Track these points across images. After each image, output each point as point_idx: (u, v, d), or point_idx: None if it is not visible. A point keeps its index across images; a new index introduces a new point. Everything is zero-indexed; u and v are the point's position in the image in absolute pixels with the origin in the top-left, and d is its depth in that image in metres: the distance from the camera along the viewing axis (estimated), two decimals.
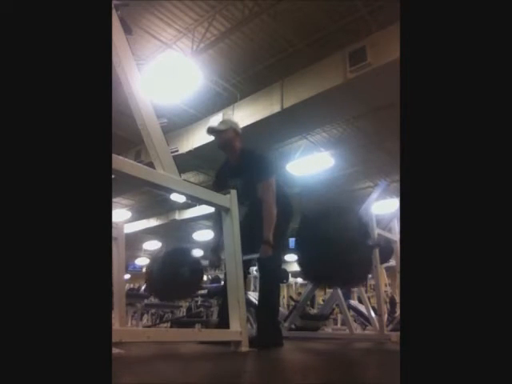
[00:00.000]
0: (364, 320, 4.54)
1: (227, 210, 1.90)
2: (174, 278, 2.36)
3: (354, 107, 5.51)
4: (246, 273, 2.54)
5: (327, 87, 4.96)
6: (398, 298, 5.04)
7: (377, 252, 3.05)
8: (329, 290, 4.61)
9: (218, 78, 6.21)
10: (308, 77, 5.20)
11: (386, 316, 3.77)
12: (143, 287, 6.50)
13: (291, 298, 6.34)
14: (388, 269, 5.55)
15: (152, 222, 12.26)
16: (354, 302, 4.67)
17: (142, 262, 14.78)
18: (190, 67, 5.27)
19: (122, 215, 11.19)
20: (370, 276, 3.14)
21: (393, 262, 3.98)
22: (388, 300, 5.45)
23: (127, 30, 1.68)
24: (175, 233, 13.22)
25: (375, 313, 3.27)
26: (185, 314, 5.90)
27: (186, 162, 6.63)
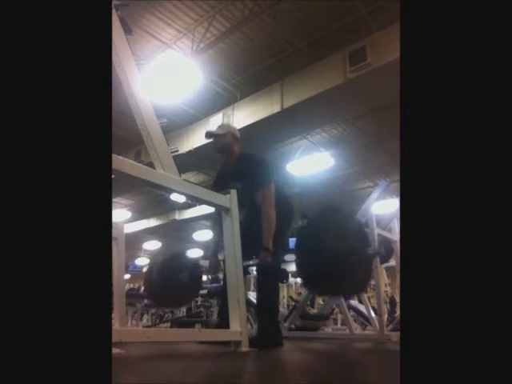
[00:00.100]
0: (364, 320, 4.54)
1: (227, 210, 1.90)
2: (173, 284, 2.35)
3: (354, 107, 5.51)
4: (246, 272, 2.54)
5: (327, 87, 4.96)
6: (398, 298, 5.04)
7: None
8: None
9: (218, 78, 6.21)
10: (308, 77, 5.20)
11: (385, 316, 3.77)
12: (143, 287, 6.49)
13: (291, 297, 6.34)
14: (388, 269, 5.55)
15: (152, 222, 12.26)
16: (354, 302, 4.66)
17: (142, 261, 14.78)
18: (190, 67, 5.27)
19: (122, 215, 11.19)
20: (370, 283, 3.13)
21: (393, 261, 3.98)
22: (388, 300, 5.45)
23: (127, 30, 1.68)
24: (175, 233, 13.23)
25: (375, 313, 3.26)
26: (185, 314, 5.90)
27: (185, 162, 6.63)
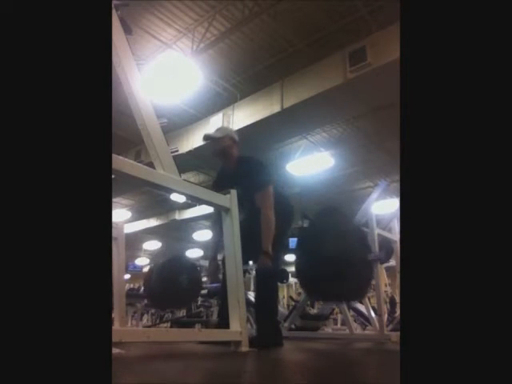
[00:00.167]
0: (364, 320, 4.54)
1: (227, 210, 1.90)
2: (173, 287, 2.35)
3: (354, 107, 5.51)
4: (245, 272, 2.54)
5: (327, 87, 4.96)
6: (398, 298, 5.03)
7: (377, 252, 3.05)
8: None
9: (218, 78, 6.21)
10: (308, 77, 5.20)
11: (385, 316, 3.77)
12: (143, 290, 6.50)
13: (291, 297, 6.34)
14: (388, 269, 5.55)
15: (152, 222, 12.26)
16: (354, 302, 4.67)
17: (142, 261, 14.78)
18: (190, 67, 5.27)
19: (122, 215, 11.19)
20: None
21: (393, 261, 3.98)
22: (388, 300, 5.45)
23: (127, 30, 1.68)
24: (175, 233, 13.23)
25: (375, 313, 3.26)
26: (185, 314, 5.90)
27: (185, 162, 6.63)
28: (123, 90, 1.62)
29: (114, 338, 1.16)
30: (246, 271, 2.23)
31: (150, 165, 1.65)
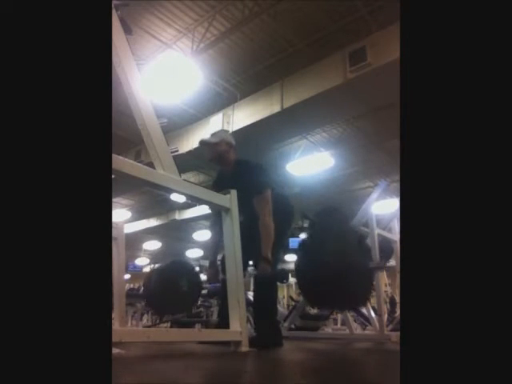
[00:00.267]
0: (364, 320, 4.54)
1: (227, 210, 1.90)
2: (172, 293, 2.34)
3: (354, 107, 5.51)
4: (245, 270, 2.53)
5: (327, 87, 4.96)
6: (398, 298, 5.03)
7: (377, 253, 3.05)
8: None
9: (218, 78, 6.21)
10: (308, 77, 5.20)
11: (385, 316, 3.77)
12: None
13: (291, 297, 6.34)
14: (388, 269, 5.55)
15: (152, 222, 12.26)
16: None
17: (142, 261, 14.79)
18: (190, 67, 5.27)
19: (122, 215, 11.19)
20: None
21: (393, 261, 3.98)
22: (388, 300, 5.45)
23: (127, 30, 1.68)
24: (175, 233, 13.23)
25: (375, 313, 3.26)
26: (185, 314, 5.90)
27: (185, 162, 6.63)
28: (123, 89, 1.62)
29: (114, 338, 1.16)
30: (245, 271, 2.23)
31: (150, 165, 1.65)
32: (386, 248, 3.45)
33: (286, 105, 5.38)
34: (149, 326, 5.68)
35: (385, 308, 3.91)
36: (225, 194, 1.92)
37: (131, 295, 5.36)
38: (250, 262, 2.36)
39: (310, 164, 7.60)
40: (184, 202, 9.23)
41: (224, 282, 2.02)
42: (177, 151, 2.10)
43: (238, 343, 1.73)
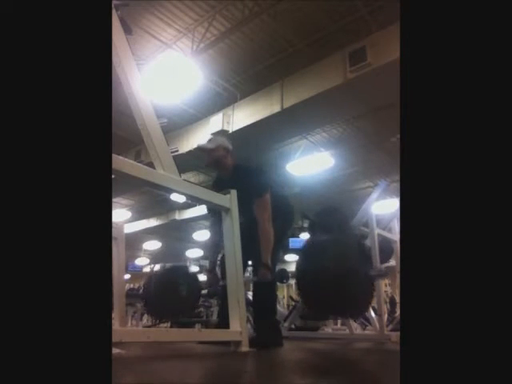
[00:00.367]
0: (364, 320, 4.54)
1: (227, 210, 1.90)
2: (171, 299, 2.33)
3: (354, 107, 5.51)
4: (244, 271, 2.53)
5: (327, 87, 4.95)
6: (398, 298, 5.03)
7: (377, 252, 3.05)
8: None
9: (218, 78, 6.20)
10: (308, 77, 5.20)
11: (385, 316, 3.77)
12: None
13: (291, 297, 6.33)
14: (388, 269, 5.54)
15: (152, 222, 12.25)
16: None
17: (142, 261, 14.78)
18: (190, 67, 5.26)
19: (122, 215, 11.19)
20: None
21: (393, 261, 3.98)
22: (388, 300, 5.45)
23: (127, 30, 1.68)
24: (175, 233, 13.23)
25: (375, 313, 3.27)
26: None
27: (185, 162, 6.62)
28: (123, 89, 1.62)
29: (114, 338, 1.16)
30: (245, 270, 2.22)
31: (150, 165, 1.65)
32: (385, 248, 3.45)
33: (286, 105, 5.37)
34: (149, 326, 5.68)
35: (385, 308, 3.91)
36: (225, 194, 1.92)
37: (131, 295, 5.36)
38: (249, 262, 2.36)
39: (310, 164, 7.60)
40: (184, 202, 9.23)
41: (224, 287, 2.02)
42: (177, 151, 2.10)
43: (237, 343, 1.73)
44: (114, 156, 1.29)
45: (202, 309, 5.06)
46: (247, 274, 2.30)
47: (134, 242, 13.34)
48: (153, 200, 11.06)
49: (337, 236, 1.83)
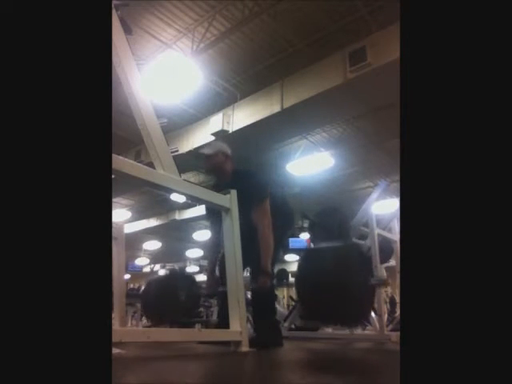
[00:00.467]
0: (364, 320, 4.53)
1: (227, 210, 1.90)
2: (170, 305, 2.32)
3: (354, 107, 5.51)
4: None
5: (327, 87, 4.95)
6: (398, 298, 5.03)
7: (377, 252, 3.05)
8: None
9: (218, 78, 6.20)
10: (308, 77, 5.20)
11: (385, 316, 3.77)
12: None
13: (291, 297, 6.33)
14: (388, 269, 5.55)
15: (152, 222, 12.25)
16: None
17: (142, 261, 14.78)
18: (190, 67, 5.26)
19: (122, 215, 11.19)
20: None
21: (393, 261, 3.98)
22: (388, 300, 5.45)
23: (127, 30, 1.68)
24: (175, 233, 13.22)
25: (375, 313, 3.27)
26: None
27: (185, 162, 6.62)
28: (123, 89, 1.62)
29: (114, 338, 1.16)
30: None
31: (150, 165, 1.65)
32: (385, 248, 3.46)
33: (286, 105, 5.37)
34: (149, 326, 5.68)
35: (385, 308, 3.91)
36: (225, 194, 1.92)
37: (131, 295, 5.36)
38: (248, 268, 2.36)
39: (310, 164, 7.60)
40: (184, 202, 9.23)
41: (223, 293, 2.01)
42: (177, 151, 2.09)
43: (237, 343, 1.73)
44: (114, 156, 1.29)
45: (201, 309, 5.06)
46: (246, 274, 2.30)
47: (134, 242, 13.34)
48: (153, 200, 11.06)
49: (337, 245, 1.82)
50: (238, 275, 1.83)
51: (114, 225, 2.50)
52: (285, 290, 8.80)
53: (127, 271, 11.86)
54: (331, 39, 5.24)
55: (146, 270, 13.70)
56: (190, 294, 2.37)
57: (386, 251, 3.47)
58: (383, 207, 6.06)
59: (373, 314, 3.33)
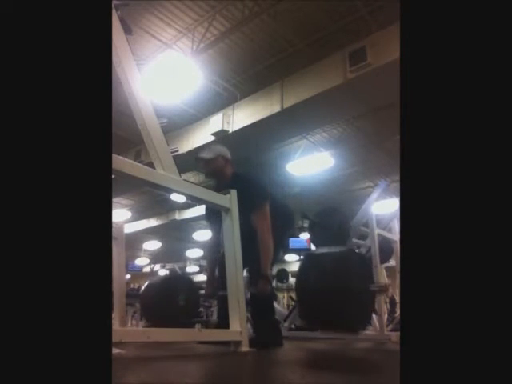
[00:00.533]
0: None
1: (227, 210, 1.90)
2: (170, 307, 2.31)
3: (354, 107, 5.51)
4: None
5: (327, 87, 4.95)
6: (398, 298, 5.03)
7: (377, 252, 3.05)
8: None
9: (218, 78, 6.20)
10: (308, 77, 5.20)
11: (385, 316, 3.77)
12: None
13: (291, 297, 6.33)
14: (388, 269, 5.55)
15: (152, 222, 12.25)
16: None
17: (142, 261, 14.78)
18: (190, 67, 5.26)
19: (122, 215, 11.19)
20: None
21: (393, 261, 3.98)
22: (388, 300, 5.44)
23: (127, 30, 1.68)
24: (175, 233, 13.23)
25: (375, 313, 3.27)
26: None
27: (185, 162, 6.62)
28: (123, 89, 1.62)
29: (114, 338, 1.16)
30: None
31: (150, 165, 1.65)
32: (385, 248, 3.46)
33: (286, 105, 5.37)
34: (148, 326, 5.67)
35: (385, 308, 3.91)
36: (225, 194, 1.91)
37: (131, 295, 5.36)
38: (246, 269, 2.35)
39: (310, 164, 7.60)
40: (184, 202, 9.23)
41: (222, 297, 2.00)
42: (177, 151, 2.09)
43: (237, 343, 1.73)
44: (114, 156, 1.29)
45: (202, 309, 5.06)
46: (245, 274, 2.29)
47: (134, 242, 13.34)
48: (153, 200, 11.06)
49: (337, 251, 1.82)
50: (238, 275, 1.83)
51: (114, 225, 2.50)
52: (285, 293, 8.77)
53: (127, 271, 11.85)
54: (331, 39, 5.24)
55: (146, 269, 13.70)
56: (189, 298, 2.37)
57: (386, 251, 3.47)
58: (383, 207, 6.07)
59: (373, 314, 3.33)
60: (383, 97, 4.97)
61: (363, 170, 8.76)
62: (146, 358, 1.55)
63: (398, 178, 0.80)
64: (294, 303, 4.54)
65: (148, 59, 5.55)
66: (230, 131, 5.92)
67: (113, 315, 2.36)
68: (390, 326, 3.82)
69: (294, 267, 10.38)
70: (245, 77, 6.18)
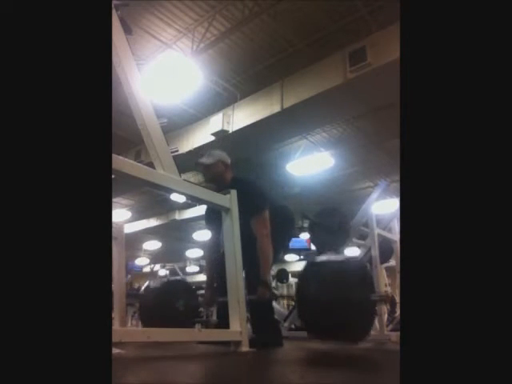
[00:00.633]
0: None
1: (227, 210, 1.90)
2: (169, 312, 2.31)
3: (354, 107, 5.51)
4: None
5: (327, 87, 4.95)
6: (398, 298, 5.03)
7: (377, 252, 3.05)
8: None
9: (218, 78, 6.20)
10: (308, 77, 5.20)
11: (385, 316, 3.77)
12: (143, 287, 6.49)
13: (291, 297, 6.32)
14: (388, 269, 5.55)
15: (152, 222, 12.25)
16: None
17: (142, 261, 14.78)
18: (190, 67, 5.26)
19: (122, 215, 11.18)
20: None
21: (393, 261, 3.98)
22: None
23: (127, 30, 1.68)
24: (175, 233, 13.23)
25: (375, 313, 3.26)
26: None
27: (185, 162, 6.61)
28: (123, 89, 1.62)
29: (114, 338, 1.16)
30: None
31: (150, 165, 1.65)
32: (385, 248, 3.46)
33: (286, 105, 5.37)
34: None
35: (385, 308, 3.91)
36: (225, 194, 1.91)
37: (131, 295, 5.36)
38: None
39: (310, 164, 7.59)
40: (184, 202, 9.23)
41: (222, 303, 2.00)
42: (177, 151, 2.08)
43: (237, 343, 1.73)
44: (114, 156, 1.29)
45: (202, 309, 5.06)
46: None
47: (134, 242, 13.34)
48: (153, 200, 11.05)
49: (338, 260, 1.83)
50: (238, 275, 1.83)
51: (114, 225, 2.49)
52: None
53: (127, 271, 11.84)
54: (331, 39, 5.24)
55: (146, 269, 13.69)
56: (188, 304, 2.37)
57: (385, 251, 3.47)
58: (383, 207, 6.06)
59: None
60: (383, 97, 4.97)
61: (363, 170, 8.76)
62: (146, 358, 1.55)
63: (398, 178, 0.80)
64: (294, 303, 4.54)
65: (148, 59, 5.55)
66: (230, 131, 5.92)
67: (113, 315, 2.36)
68: (390, 326, 3.82)
69: (294, 267, 10.37)
70: (245, 77, 6.18)
